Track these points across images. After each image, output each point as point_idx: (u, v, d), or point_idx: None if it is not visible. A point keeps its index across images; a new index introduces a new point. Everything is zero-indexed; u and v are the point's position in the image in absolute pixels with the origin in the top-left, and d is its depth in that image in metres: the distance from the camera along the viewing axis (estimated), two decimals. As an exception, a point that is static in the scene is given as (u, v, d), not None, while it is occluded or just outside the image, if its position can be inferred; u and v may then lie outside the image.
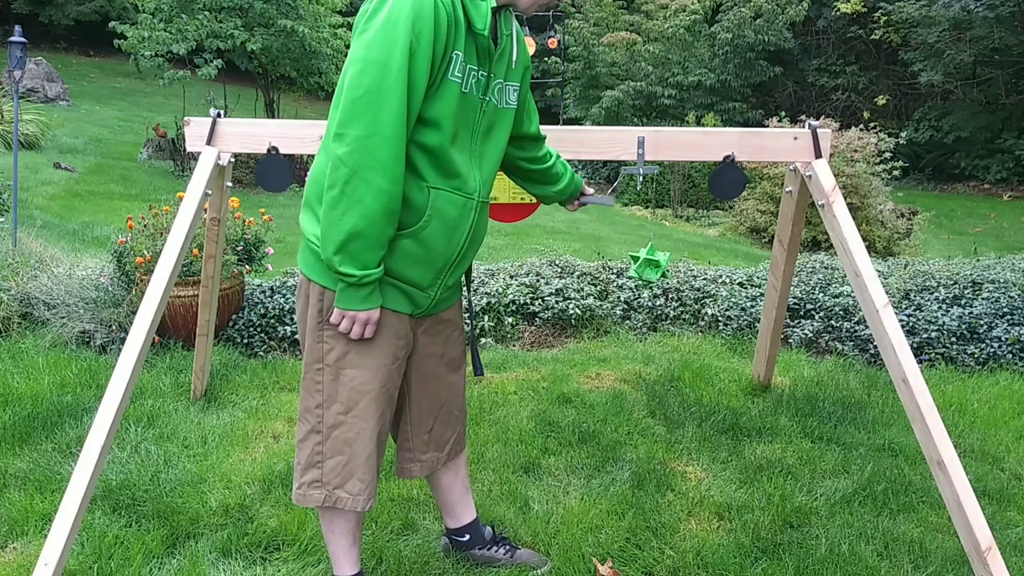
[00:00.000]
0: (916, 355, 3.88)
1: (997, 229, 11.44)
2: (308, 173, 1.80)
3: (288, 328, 3.89)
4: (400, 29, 1.56)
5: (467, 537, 2.22)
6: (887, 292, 4.23)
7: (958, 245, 9.40)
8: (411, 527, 2.41)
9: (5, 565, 2.16)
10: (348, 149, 1.58)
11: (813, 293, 4.38)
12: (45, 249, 4.71)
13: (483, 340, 4.06)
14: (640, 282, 2.68)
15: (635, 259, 3.02)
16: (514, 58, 1.84)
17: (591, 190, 2.36)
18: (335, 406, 1.80)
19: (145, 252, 3.72)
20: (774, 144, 2.54)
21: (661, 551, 2.31)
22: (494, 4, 1.72)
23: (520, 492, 2.60)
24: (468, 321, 2.10)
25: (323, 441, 1.82)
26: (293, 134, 2.48)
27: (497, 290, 4.29)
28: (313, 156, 2.32)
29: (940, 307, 4.15)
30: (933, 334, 3.97)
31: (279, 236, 6.86)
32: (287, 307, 4.01)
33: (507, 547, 2.23)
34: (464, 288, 2.09)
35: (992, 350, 3.89)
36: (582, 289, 4.43)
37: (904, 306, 4.20)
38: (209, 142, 2.45)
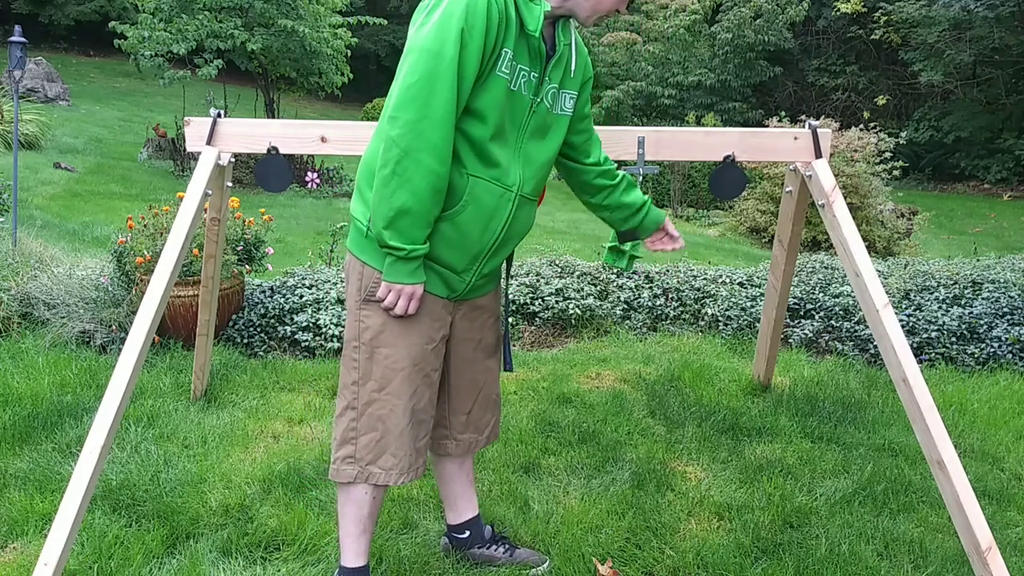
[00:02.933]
0: (916, 355, 3.88)
1: (997, 229, 11.44)
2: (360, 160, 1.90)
3: (288, 328, 3.89)
4: (454, 21, 1.66)
5: (467, 534, 2.23)
6: (887, 292, 4.23)
7: (958, 245, 9.40)
8: (411, 527, 2.41)
9: (5, 565, 2.16)
10: (401, 131, 1.67)
11: (813, 293, 4.38)
12: (45, 249, 4.71)
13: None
14: (626, 268, 2.64)
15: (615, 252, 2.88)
16: (572, 67, 1.91)
17: (672, 230, 2.32)
18: (370, 384, 1.86)
19: (145, 252, 3.72)
20: (774, 144, 2.54)
21: (661, 551, 2.31)
22: (548, 8, 1.79)
23: (520, 492, 2.60)
24: (503, 315, 2.15)
25: (358, 418, 1.88)
26: (293, 134, 2.48)
27: (497, 290, 4.29)
28: (313, 156, 2.33)
29: (940, 307, 4.15)
30: (933, 334, 3.97)
31: (279, 236, 6.86)
32: (287, 307, 4.01)
33: (507, 546, 2.24)
34: (503, 279, 2.15)
35: (992, 350, 3.89)
36: (582, 289, 4.43)
37: (904, 306, 4.20)
38: (209, 142, 2.45)
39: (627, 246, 2.86)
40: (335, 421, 1.93)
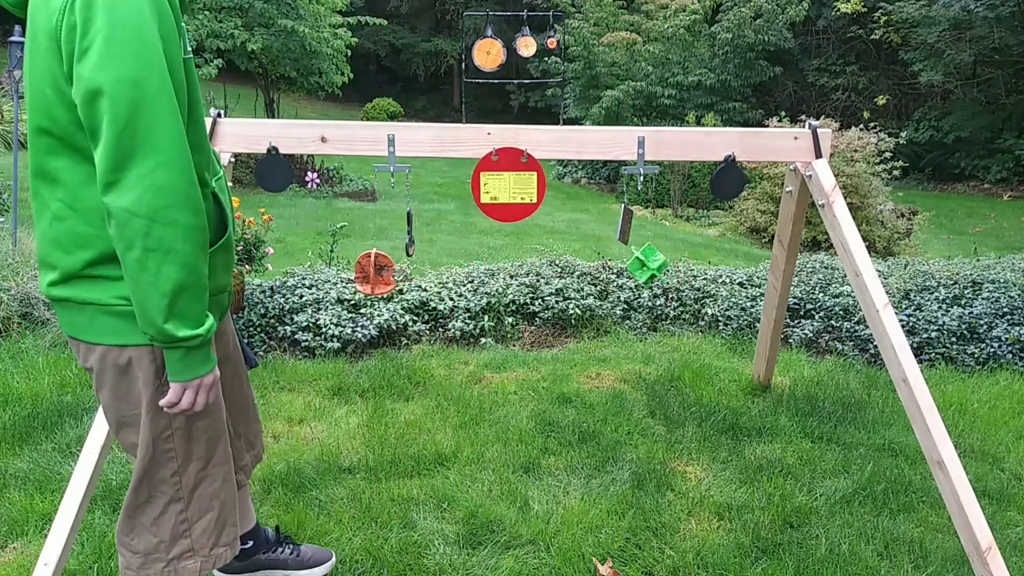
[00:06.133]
0: (916, 355, 3.88)
1: (997, 229, 11.44)
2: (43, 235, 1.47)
3: (288, 328, 3.89)
4: (144, 18, 1.30)
5: (250, 544, 2.08)
6: (887, 292, 4.23)
7: (958, 245, 9.40)
8: (410, 526, 2.41)
9: (5, 565, 2.16)
10: (134, 195, 1.30)
11: (813, 293, 4.38)
12: (45, 249, 4.70)
13: (483, 340, 4.06)
14: (646, 284, 2.70)
15: (639, 262, 2.95)
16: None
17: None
18: (192, 464, 1.62)
19: (145, 252, 3.71)
20: (774, 144, 2.55)
21: (661, 551, 2.32)
22: None
23: (520, 492, 2.60)
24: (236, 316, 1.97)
25: (186, 508, 1.63)
26: (293, 134, 2.49)
27: (497, 290, 4.29)
28: (313, 156, 2.31)
29: (940, 307, 4.15)
30: (933, 334, 3.97)
31: (279, 236, 6.86)
32: (287, 307, 4.01)
33: (292, 547, 2.15)
34: None
35: (992, 350, 3.89)
36: (582, 289, 4.43)
37: (904, 306, 4.21)
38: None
39: (652, 261, 2.88)
40: (151, 527, 1.62)
